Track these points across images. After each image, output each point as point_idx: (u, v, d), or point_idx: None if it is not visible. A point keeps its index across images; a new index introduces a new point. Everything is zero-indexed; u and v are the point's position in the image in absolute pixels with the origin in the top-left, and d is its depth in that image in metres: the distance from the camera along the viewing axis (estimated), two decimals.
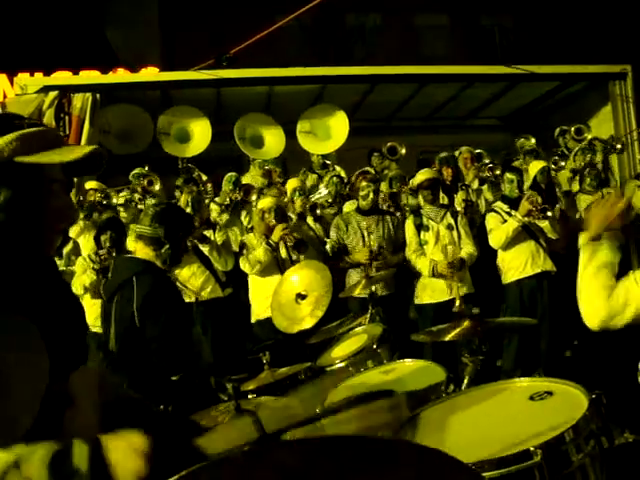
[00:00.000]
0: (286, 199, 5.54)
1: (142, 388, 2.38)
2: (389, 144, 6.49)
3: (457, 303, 3.17)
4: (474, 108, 8.02)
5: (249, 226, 5.27)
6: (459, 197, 5.76)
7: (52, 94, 5.78)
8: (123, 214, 5.55)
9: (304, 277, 3.63)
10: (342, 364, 2.78)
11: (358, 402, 1.26)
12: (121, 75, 8.50)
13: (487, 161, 6.24)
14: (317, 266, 3.74)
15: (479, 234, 5.19)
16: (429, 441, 1.62)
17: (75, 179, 4.82)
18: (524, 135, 6.82)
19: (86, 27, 11.82)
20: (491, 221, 5.09)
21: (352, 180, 5.72)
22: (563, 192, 5.95)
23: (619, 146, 6.42)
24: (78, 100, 5.84)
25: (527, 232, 5.05)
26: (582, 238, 2.13)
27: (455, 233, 4.93)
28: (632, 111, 6.81)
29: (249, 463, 0.88)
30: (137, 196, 5.56)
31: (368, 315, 3.37)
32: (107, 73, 8.61)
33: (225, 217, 5.45)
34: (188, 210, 5.03)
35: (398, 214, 5.39)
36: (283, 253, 4.85)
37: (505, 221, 5.01)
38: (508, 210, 5.06)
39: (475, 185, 6.10)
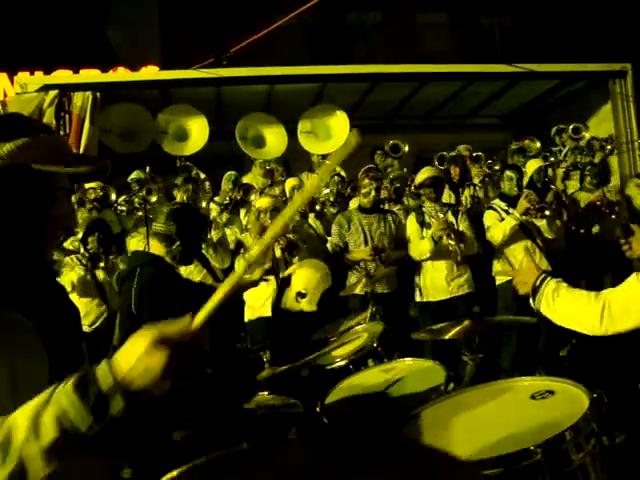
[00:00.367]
0: (285, 198, 5.55)
1: None
2: (392, 142, 6.49)
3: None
4: (474, 107, 8.01)
5: (249, 226, 5.27)
6: (466, 194, 5.76)
7: (52, 93, 5.77)
8: (124, 217, 5.63)
9: (304, 276, 3.63)
10: (342, 363, 2.79)
11: None
12: (121, 74, 8.53)
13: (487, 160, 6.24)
14: (316, 265, 3.75)
15: (478, 232, 5.19)
16: (430, 439, 1.63)
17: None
18: (530, 137, 6.79)
19: (86, 26, 11.82)
20: (489, 218, 5.09)
21: (358, 177, 5.72)
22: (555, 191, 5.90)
23: (609, 147, 6.41)
24: (78, 99, 5.83)
25: (524, 231, 5.04)
26: (532, 302, 2.05)
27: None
28: (632, 109, 6.80)
29: (250, 462, 0.88)
30: (137, 200, 5.59)
31: (368, 313, 3.37)
32: (107, 72, 8.64)
33: (225, 216, 5.45)
34: None
35: (400, 211, 5.39)
36: (277, 253, 4.84)
37: (503, 219, 5.00)
38: (506, 208, 5.06)
39: (477, 181, 6.11)
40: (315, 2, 6.43)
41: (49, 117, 5.70)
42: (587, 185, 6.05)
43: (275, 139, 6.55)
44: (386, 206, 5.55)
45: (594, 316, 1.81)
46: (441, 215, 4.89)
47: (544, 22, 14.91)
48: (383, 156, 6.71)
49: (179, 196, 5.30)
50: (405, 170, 6.32)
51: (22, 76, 6.54)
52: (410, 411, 1.85)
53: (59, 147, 1.25)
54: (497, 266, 5.11)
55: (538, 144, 6.48)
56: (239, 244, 4.93)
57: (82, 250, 4.85)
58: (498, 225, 4.98)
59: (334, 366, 2.80)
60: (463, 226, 4.96)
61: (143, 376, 0.90)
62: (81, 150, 5.66)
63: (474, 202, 5.40)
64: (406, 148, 6.44)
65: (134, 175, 6.02)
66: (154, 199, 5.46)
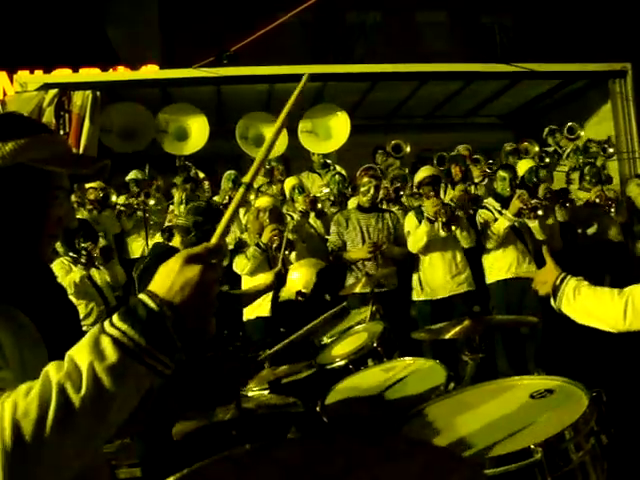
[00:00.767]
0: (285, 198, 5.55)
1: None
2: (393, 142, 6.50)
3: None
4: (474, 106, 8.01)
5: (248, 225, 5.27)
6: (457, 188, 5.73)
7: (52, 92, 5.77)
8: (124, 219, 5.67)
9: (303, 275, 3.65)
10: (342, 362, 2.79)
11: None
12: (121, 73, 8.50)
13: (488, 160, 6.24)
14: (314, 263, 3.78)
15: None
16: (430, 438, 1.63)
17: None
18: (529, 140, 6.78)
19: (86, 24, 11.81)
20: (482, 217, 5.10)
21: (357, 176, 5.72)
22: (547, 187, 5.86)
23: (611, 150, 6.40)
24: (78, 98, 5.83)
25: (515, 233, 5.04)
26: (552, 301, 2.04)
27: (454, 230, 4.91)
28: (632, 109, 6.80)
29: (252, 460, 0.88)
30: (134, 201, 5.60)
31: (369, 312, 3.37)
32: (107, 71, 8.64)
33: None
34: (182, 207, 5.04)
35: (399, 211, 5.39)
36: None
37: (496, 219, 5.00)
38: (499, 208, 5.06)
39: (477, 181, 6.11)
40: (315, 1, 6.43)
41: (49, 116, 5.70)
42: (586, 185, 6.05)
43: None
44: (384, 206, 5.55)
45: (617, 312, 1.80)
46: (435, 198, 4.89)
47: (544, 22, 14.91)
48: (384, 155, 6.72)
49: (177, 194, 5.30)
50: (406, 170, 6.32)
51: (22, 75, 6.53)
52: (410, 410, 1.85)
53: (60, 147, 1.25)
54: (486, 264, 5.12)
55: (537, 148, 6.47)
56: (239, 244, 4.92)
57: (71, 253, 4.82)
58: (493, 227, 4.97)
59: (334, 366, 2.80)
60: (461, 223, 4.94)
61: (182, 292, 0.96)
62: (81, 150, 5.67)
63: (469, 198, 5.37)
64: (408, 148, 6.44)
65: (132, 175, 6.03)
66: (152, 202, 5.48)
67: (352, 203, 5.49)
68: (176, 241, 3.17)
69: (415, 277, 5.00)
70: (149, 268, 2.96)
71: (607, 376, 2.96)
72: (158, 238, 4.92)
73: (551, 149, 6.69)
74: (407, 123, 7.94)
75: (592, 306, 1.89)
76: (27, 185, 1.19)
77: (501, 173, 5.29)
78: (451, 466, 0.82)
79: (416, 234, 4.86)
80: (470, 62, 7.40)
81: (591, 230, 5.84)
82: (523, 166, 5.68)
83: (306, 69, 6.54)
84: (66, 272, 4.71)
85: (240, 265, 4.75)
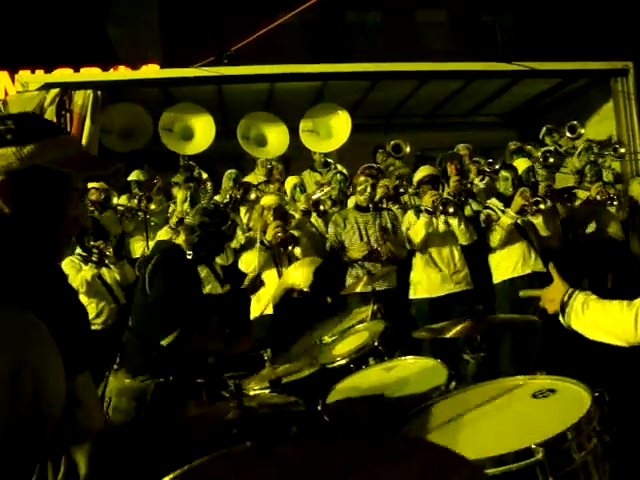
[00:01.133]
0: (287, 197, 5.54)
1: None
2: (393, 142, 6.48)
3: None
4: (475, 105, 8.00)
5: (252, 223, 5.27)
6: (452, 180, 5.65)
7: (53, 91, 5.77)
8: (125, 222, 5.68)
9: (303, 275, 3.66)
10: (343, 361, 2.78)
11: None
12: (122, 72, 8.51)
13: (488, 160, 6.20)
14: (313, 261, 3.79)
15: (475, 231, 5.16)
16: (431, 437, 1.63)
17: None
18: (531, 143, 6.75)
19: (87, 24, 11.82)
20: (486, 215, 5.10)
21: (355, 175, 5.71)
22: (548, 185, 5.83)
23: (622, 150, 6.37)
24: (79, 97, 5.82)
25: (519, 232, 5.04)
26: (561, 318, 1.97)
27: (453, 225, 4.90)
28: (634, 108, 6.78)
29: (252, 458, 0.88)
30: (135, 205, 5.60)
31: (370, 311, 3.37)
32: (108, 70, 8.65)
33: None
34: (186, 205, 5.05)
35: (398, 211, 5.38)
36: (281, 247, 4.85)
37: (499, 218, 5.00)
38: (502, 208, 5.06)
39: (477, 181, 6.08)
40: (315, 1, 6.42)
41: (50, 116, 5.69)
42: (586, 184, 6.04)
43: (277, 138, 6.55)
44: (385, 204, 5.53)
45: (628, 324, 1.74)
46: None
47: (545, 20, 14.90)
48: (385, 155, 6.70)
49: (181, 193, 5.28)
50: (408, 170, 6.30)
51: (23, 74, 6.53)
52: (411, 409, 1.85)
53: (76, 148, 1.26)
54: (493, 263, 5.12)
55: (539, 153, 6.45)
56: (242, 246, 4.93)
57: (80, 250, 4.85)
58: (496, 228, 4.97)
59: (335, 365, 2.80)
60: (460, 221, 4.92)
61: None
62: None
63: (463, 190, 5.34)
64: (408, 148, 6.41)
65: (134, 176, 6.01)
66: (153, 207, 5.48)
67: (351, 202, 5.50)
68: (180, 239, 3.20)
69: (413, 275, 4.99)
70: (159, 265, 3.01)
71: (610, 376, 2.95)
72: (158, 237, 4.92)
73: (549, 148, 6.66)
74: (407, 122, 7.91)
75: (601, 319, 1.82)
76: (45, 187, 1.20)
77: (503, 173, 5.30)
78: (452, 466, 0.81)
79: (415, 227, 4.86)
80: (471, 61, 7.38)
81: (590, 228, 5.83)
82: (519, 166, 5.67)
83: (307, 68, 6.55)
84: (77, 271, 4.74)
85: (246, 263, 4.76)
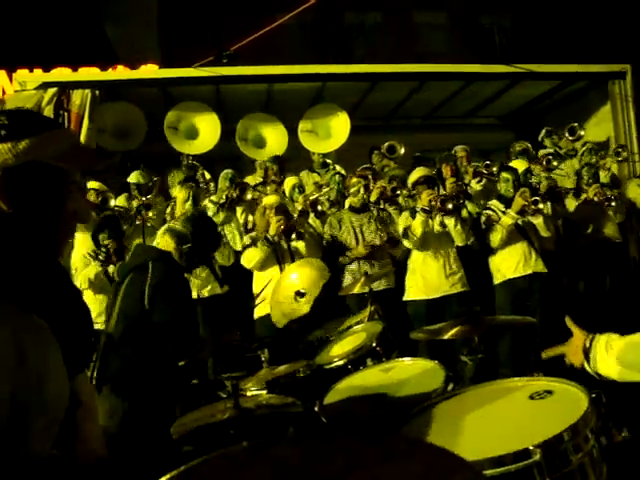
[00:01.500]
0: (286, 198, 5.53)
1: (142, 367, 2.62)
2: (387, 143, 6.47)
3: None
4: (473, 107, 8.01)
5: (250, 225, 5.27)
6: (448, 181, 5.66)
7: (51, 91, 5.76)
8: (124, 226, 5.61)
9: (304, 275, 3.64)
10: (341, 362, 2.78)
11: None
12: (120, 72, 8.49)
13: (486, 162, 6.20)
14: (318, 265, 3.76)
15: (475, 232, 5.17)
16: (429, 438, 1.63)
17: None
18: (522, 142, 6.75)
19: (85, 23, 11.81)
20: (486, 216, 5.11)
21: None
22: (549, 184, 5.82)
23: (625, 154, 6.38)
24: (77, 97, 5.82)
25: (520, 232, 5.05)
26: (587, 366, 1.82)
27: (449, 226, 4.90)
28: (631, 110, 6.81)
29: (249, 458, 0.88)
30: (135, 203, 5.58)
31: (367, 313, 3.37)
32: (106, 70, 8.63)
33: (222, 215, 5.43)
34: (188, 205, 5.03)
35: (394, 212, 5.38)
36: (283, 244, 4.85)
37: (500, 219, 5.01)
38: (504, 209, 5.08)
39: (473, 183, 6.08)
40: (315, 2, 6.42)
41: (48, 115, 5.68)
42: (584, 186, 6.04)
43: (275, 139, 6.55)
44: (381, 205, 5.53)
45: None
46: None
47: (544, 22, 14.92)
48: (380, 156, 6.70)
49: (182, 192, 5.25)
50: (402, 172, 6.29)
51: (21, 73, 6.53)
52: (409, 411, 1.85)
53: (72, 142, 1.26)
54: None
55: (541, 156, 6.44)
56: (253, 241, 4.92)
57: (93, 247, 4.84)
58: (497, 228, 4.97)
59: (332, 366, 2.80)
60: (455, 222, 4.92)
61: None
62: None
63: (460, 190, 5.34)
64: (402, 150, 6.40)
65: (134, 179, 5.97)
66: (151, 214, 5.46)
67: (348, 203, 5.51)
68: (165, 244, 3.02)
69: (409, 277, 4.99)
70: (159, 285, 2.78)
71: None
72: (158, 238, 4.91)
73: (552, 150, 6.67)
74: (406, 123, 7.92)
75: (628, 356, 1.69)
76: (42, 181, 1.19)
77: (504, 175, 5.31)
78: (451, 466, 0.81)
79: (412, 226, 4.86)
80: (469, 63, 7.40)
81: (587, 230, 5.84)
82: (517, 167, 5.68)
83: (305, 69, 6.55)
84: (85, 265, 4.73)
85: (247, 259, 4.75)
